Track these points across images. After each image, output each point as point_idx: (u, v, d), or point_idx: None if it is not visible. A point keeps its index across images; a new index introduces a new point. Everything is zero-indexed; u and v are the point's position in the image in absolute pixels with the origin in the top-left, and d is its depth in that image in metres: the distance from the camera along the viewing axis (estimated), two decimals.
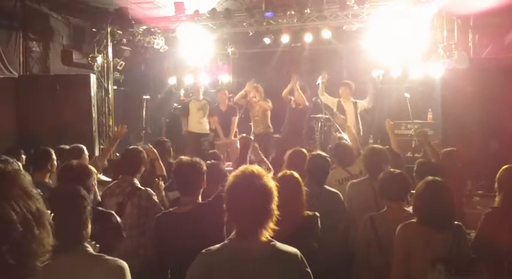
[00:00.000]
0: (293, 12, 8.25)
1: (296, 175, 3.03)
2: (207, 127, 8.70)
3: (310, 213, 2.99)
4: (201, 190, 3.03)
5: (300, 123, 8.61)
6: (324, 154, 4.18)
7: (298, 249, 2.05)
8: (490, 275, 2.82)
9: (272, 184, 2.00)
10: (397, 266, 2.91)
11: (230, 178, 2.04)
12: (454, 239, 2.86)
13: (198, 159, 3.11)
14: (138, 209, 3.60)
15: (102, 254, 2.09)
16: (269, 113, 8.46)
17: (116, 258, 2.06)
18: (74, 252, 2.06)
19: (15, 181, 1.05)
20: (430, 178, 3.06)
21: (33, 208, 1.03)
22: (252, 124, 8.66)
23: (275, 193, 1.99)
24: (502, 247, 3.07)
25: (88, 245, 2.12)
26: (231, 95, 9.14)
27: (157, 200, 3.70)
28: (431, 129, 8.27)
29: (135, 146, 4.24)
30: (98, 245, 2.31)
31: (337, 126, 7.91)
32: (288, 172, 3.05)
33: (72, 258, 2.05)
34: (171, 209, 3.15)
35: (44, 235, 1.05)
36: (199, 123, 8.61)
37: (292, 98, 8.30)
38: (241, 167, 2.07)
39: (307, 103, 8.39)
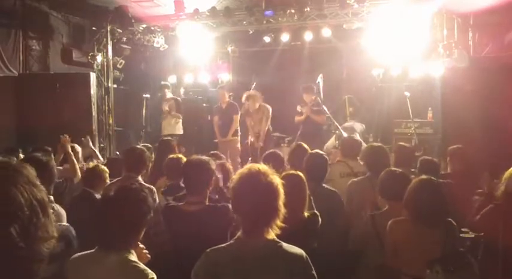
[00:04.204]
0: (293, 11, 8.23)
1: (300, 174, 3.01)
2: (179, 127, 8.75)
3: (310, 213, 2.97)
4: (209, 190, 3.02)
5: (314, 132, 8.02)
6: (322, 152, 4.21)
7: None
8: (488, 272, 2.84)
9: (278, 181, 2.00)
10: (388, 262, 2.94)
11: (236, 176, 2.03)
12: (447, 236, 2.88)
13: (206, 158, 3.09)
14: None
15: (137, 262, 2.05)
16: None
17: (147, 271, 2.01)
18: (113, 255, 2.04)
19: (22, 171, 1.08)
20: (423, 176, 3.09)
21: (39, 195, 1.06)
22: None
23: (281, 190, 1.98)
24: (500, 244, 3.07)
25: (132, 251, 2.07)
26: (231, 94, 9.13)
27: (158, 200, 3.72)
28: (431, 128, 8.30)
29: (139, 146, 4.25)
30: (147, 252, 2.23)
31: (337, 124, 7.90)
32: (292, 171, 3.04)
33: (108, 261, 2.03)
34: (177, 204, 3.13)
35: (47, 222, 1.07)
36: (169, 125, 8.74)
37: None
38: (247, 166, 2.07)
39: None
